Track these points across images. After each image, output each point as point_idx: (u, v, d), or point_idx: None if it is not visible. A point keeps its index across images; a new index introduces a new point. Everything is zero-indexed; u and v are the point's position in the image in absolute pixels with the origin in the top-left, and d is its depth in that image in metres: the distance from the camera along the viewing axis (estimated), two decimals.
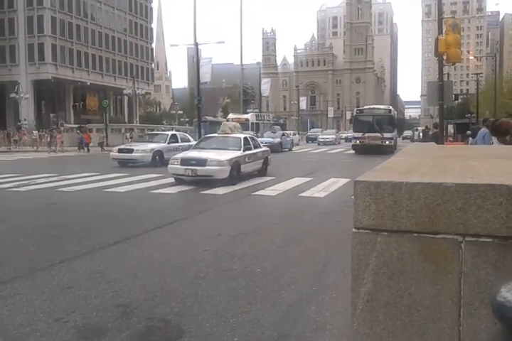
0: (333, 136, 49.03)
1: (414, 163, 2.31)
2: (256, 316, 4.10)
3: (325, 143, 45.43)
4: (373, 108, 32.47)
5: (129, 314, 4.10)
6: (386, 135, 28.21)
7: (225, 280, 5.05)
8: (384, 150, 24.48)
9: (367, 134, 28.47)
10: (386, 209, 1.51)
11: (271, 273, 5.31)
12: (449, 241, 1.46)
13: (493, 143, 7.55)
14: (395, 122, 30.69)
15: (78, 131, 38.29)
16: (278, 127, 45.08)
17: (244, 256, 6.00)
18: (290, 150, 34.47)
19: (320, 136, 49.34)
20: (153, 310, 4.19)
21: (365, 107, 33.88)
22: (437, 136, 15.85)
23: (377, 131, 28.35)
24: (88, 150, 34.30)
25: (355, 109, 32.29)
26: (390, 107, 32.58)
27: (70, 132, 43.38)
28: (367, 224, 1.54)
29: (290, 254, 6.15)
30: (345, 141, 50.76)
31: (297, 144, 44.36)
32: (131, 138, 38.56)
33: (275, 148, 28.12)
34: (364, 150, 27.81)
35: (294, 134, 49.39)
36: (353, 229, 1.56)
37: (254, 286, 4.85)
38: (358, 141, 29.33)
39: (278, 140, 32.29)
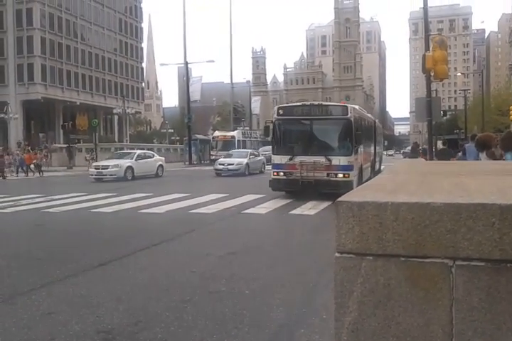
0: (243, 160, 26.97)
1: (402, 181, 2.22)
2: (243, 340, 3.95)
3: (230, 173, 26.31)
4: (312, 105, 15.52)
5: (110, 340, 3.93)
6: (337, 160, 13.94)
7: (212, 302, 4.89)
8: (334, 191, 12.19)
9: (299, 158, 14.22)
10: (371, 232, 1.41)
11: (259, 295, 5.15)
12: (438, 265, 1.35)
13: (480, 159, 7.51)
14: (360, 134, 15.35)
15: (17, 150, 32.78)
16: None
17: (232, 277, 5.84)
18: None
19: (220, 161, 27.77)
20: (136, 336, 4.03)
21: (297, 104, 17.06)
22: (446, 152, 16.05)
23: (320, 151, 14.26)
24: (27, 173, 30.29)
25: (276, 108, 15.56)
26: (350, 106, 15.23)
27: (59, 152, 43.06)
28: (350, 248, 1.43)
29: (279, 274, 6.01)
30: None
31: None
32: (92, 159, 34.15)
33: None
34: (294, 190, 14.66)
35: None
36: (336, 254, 1.44)
37: (242, 309, 4.69)
38: (281, 172, 14.54)
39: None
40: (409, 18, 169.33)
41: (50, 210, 12.21)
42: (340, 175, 13.74)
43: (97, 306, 4.76)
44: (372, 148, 20.63)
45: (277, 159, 14.74)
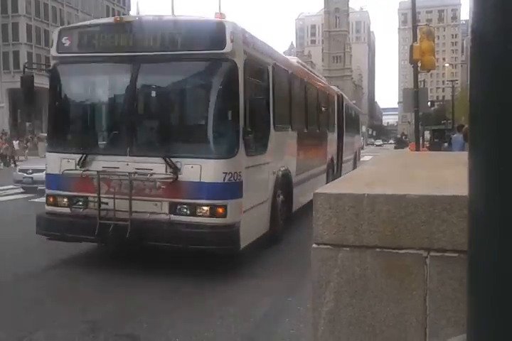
0: None
1: (382, 172, 2.24)
2: (228, 329, 3.99)
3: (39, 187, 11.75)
4: (139, 21, 5.90)
5: (96, 330, 3.94)
6: (195, 169, 5.33)
7: (199, 292, 4.92)
8: (189, 249, 5.30)
9: (100, 162, 5.69)
10: (347, 223, 1.43)
11: (245, 284, 5.19)
12: (413, 256, 1.38)
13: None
14: (266, 102, 6.49)
15: None
16: None
17: (219, 267, 5.87)
18: None
19: (22, 165, 16.01)
20: (122, 326, 4.04)
21: (102, 21, 7.00)
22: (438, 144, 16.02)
23: (155, 144, 5.92)
24: None
25: (57, 31, 6.43)
26: (232, 24, 5.65)
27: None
28: (327, 239, 1.45)
29: (266, 264, 6.04)
30: None
31: None
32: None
33: None
34: (89, 240, 5.89)
35: None
36: (313, 245, 1.47)
37: (228, 298, 4.72)
38: (60, 198, 5.92)
39: None
40: (398, 8, 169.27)
41: None
42: (204, 209, 5.41)
43: (83, 296, 4.77)
44: (332, 138, 12.05)
45: (52, 163, 6.13)
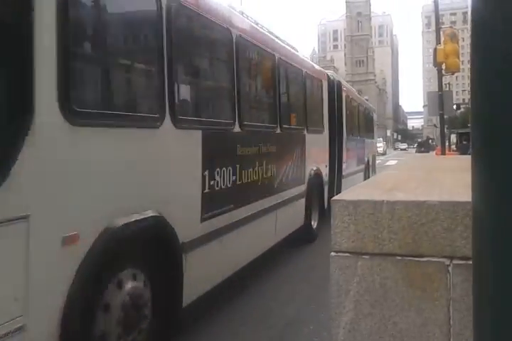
0: None
1: (404, 178, 2.19)
2: (250, 338, 3.95)
3: None
4: None
5: None
6: None
7: (218, 300, 4.89)
8: None
9: None
10: (366, 231, 1.39)
11: (267, 292, 5.15)
12: (435, 264, 1.34)
13: None
14: None
15: None
16: None
17: (239, 274, 5.84)
18: None
19: None
20: None
21: None
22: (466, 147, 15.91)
23: None
24: None
25: None
26: None
27: None
28: (346, 247, 1.42)
29: (287, 271, 6.00)
30: None
31: None
32: None
33: None
34: None
35: None
36: (332, 253, 1.43)
37: (249, 305, 4.69)
38: None
39: None
40: (421, 11, 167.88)
41: None
42: None
43: None
44: (319, 142, 8.14)
45: None
